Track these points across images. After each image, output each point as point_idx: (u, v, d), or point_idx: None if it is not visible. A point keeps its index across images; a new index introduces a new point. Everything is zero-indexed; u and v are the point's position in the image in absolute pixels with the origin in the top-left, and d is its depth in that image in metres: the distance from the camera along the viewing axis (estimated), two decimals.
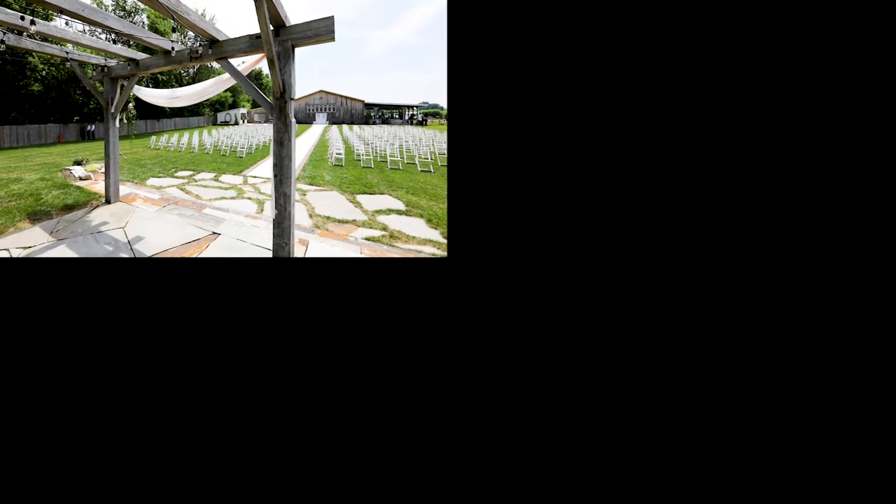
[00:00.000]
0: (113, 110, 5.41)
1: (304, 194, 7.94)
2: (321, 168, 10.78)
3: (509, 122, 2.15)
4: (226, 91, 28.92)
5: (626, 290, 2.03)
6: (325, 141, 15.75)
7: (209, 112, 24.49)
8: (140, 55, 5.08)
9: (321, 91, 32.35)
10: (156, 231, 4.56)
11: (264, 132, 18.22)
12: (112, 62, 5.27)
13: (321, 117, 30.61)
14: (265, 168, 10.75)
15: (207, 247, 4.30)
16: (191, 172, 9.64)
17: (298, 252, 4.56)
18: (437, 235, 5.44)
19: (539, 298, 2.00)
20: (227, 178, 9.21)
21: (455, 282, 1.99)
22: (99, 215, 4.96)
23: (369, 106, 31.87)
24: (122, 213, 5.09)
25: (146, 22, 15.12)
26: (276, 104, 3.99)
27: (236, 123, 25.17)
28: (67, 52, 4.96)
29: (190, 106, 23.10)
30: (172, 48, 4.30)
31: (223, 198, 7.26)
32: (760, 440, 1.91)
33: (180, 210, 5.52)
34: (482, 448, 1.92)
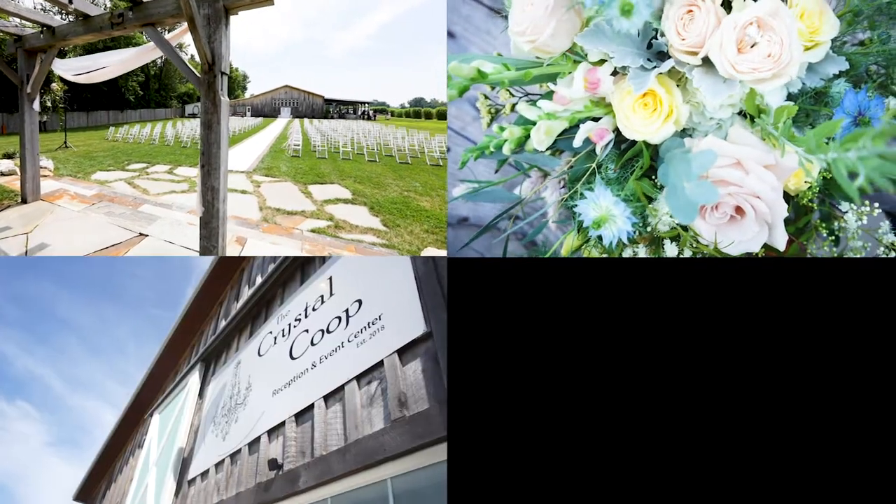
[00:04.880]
0: (29, 90, 4.12)
1: (259, 185, 6.90)
2: (279, 159, 9.65)
3: None
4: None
5: None
6: (286, 134, 14.39)
7: (177, 104, 22.20)
8: (58, 22, 3.85)
9: (286, 86, 30.23)
10: (68, 235, 3.47)
11: (230, 124, 16.53)
12: (28, 30, 3.98)
13: (285, 111, 28.59)
14: None
15: (127, 251, 3.30)
16: (145, 165, 8.27)
17: (233, 252, 3.62)
18: (378, 223, 4.77)
19: None
20: (183, 171, 7.93)
21: None
22: (3, 219, 3.80)
23: (328, 102, 30.09)
24: (35, 215, 3.92)
25: (108, 3, 12.92)
26: (204, 79, 2.88)
27: None
28: None
29: (157, 98, 20.78)
30: (70, 0, 3.15)
31: (172, 191, 6.09)
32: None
33: (111, 208, 4.39)
34: None
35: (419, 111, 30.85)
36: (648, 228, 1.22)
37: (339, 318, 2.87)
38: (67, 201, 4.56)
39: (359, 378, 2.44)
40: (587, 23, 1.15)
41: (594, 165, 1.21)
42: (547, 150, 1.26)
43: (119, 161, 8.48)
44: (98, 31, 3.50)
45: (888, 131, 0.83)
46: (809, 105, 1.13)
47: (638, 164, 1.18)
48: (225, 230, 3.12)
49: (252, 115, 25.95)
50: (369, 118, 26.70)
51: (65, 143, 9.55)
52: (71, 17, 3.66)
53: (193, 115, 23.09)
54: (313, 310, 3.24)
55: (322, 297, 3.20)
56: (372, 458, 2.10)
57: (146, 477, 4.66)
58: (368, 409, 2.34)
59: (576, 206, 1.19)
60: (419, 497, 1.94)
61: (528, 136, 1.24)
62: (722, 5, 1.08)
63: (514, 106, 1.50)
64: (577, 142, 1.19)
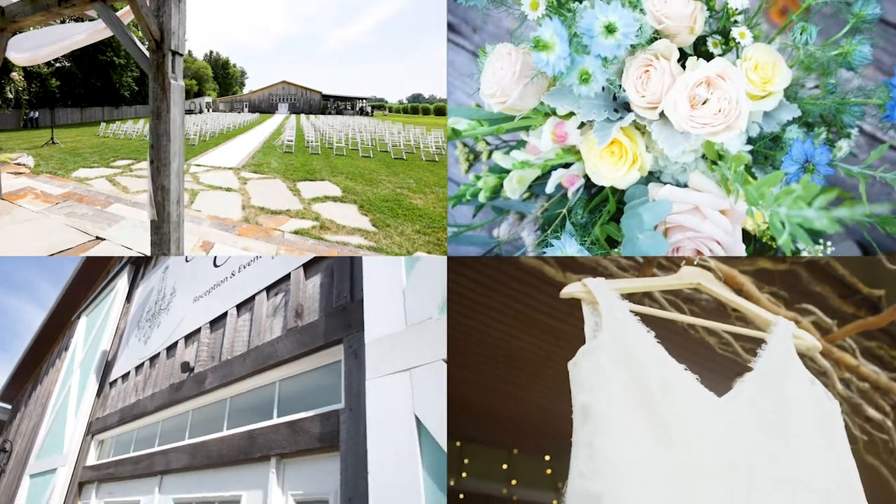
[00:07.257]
0: None
1: (245, 183, 6.47)
2: (270, 155, 9.20)
3: None
4: (190, 79, 25.67)
5: None
6: (281, 130, 13.92)
7: None
8: (7, 1, 3.36)
9: (284, 82, 29.63)
10: (18, 238, 3.07)
11: (223, 121, 16.02)
12: None
13: (283, 107, 28.01)
14: (214, 156, 9.03)
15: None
16: (131, 161, 7.81)
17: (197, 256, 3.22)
18: (367, 223, 4.34)
19: None
20: None
21: None
22: None
23: (326, 97, 29.56)
24: None
25: None
26: (153, 59, 2.41)
27: (200, 112, 22.35)
28: None
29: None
30: None
31: None
32: None
33: (75, 208, 3.98)
34: None
35: (417, 107, 30.32)
36: None
37: None
38: (30, 201, 4.13)
39: (269, 289, 2.55)
40: (554, 82, 1.17)
41: (564, 211, 1.27)
42: (523, 194, 1.32)
43: (105, 158, 8.02)
44: (46, 10, 3.05)
45: (803, 196, 0.85)
46: (766, 149, 1.18)
47: (605, 210, 1.22)
48: (180, 235, 2.68)
49: (249, 111, 25.42)
50: (366, 114, 26.18)
51: (51, 139, 9.10)
52: None
53: (190, 111, 22.42)
54: None
55: None
56: (266, 362, 2.26)
57: (70, 379, 4.59)
58: (272, 318, 2.47)
59: (544, 252, 1.24)
60: (300, 397, 2.10)
61: (503, 184, 1.31)
62: (680, 61, 1.12)
63: (490, 153, 1.58)
64: (550, 188, 1.25)
